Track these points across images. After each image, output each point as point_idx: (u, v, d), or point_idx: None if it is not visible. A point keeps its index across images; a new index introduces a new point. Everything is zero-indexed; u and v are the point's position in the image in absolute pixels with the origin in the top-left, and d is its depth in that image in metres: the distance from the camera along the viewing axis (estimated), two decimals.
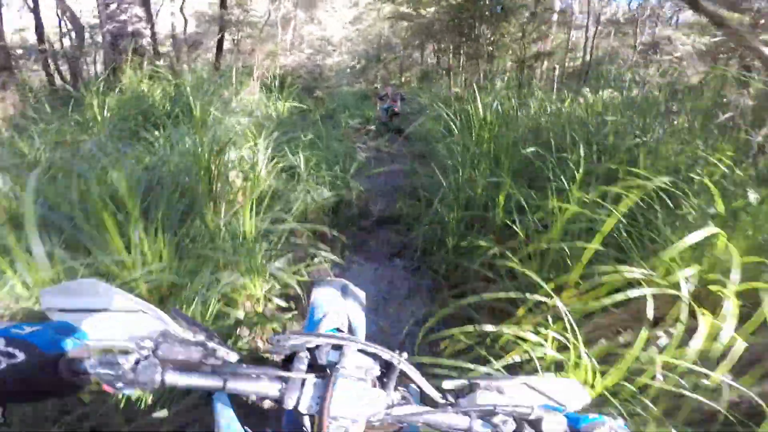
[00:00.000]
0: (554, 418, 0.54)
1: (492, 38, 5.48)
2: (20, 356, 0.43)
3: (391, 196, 5.08)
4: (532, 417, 0.54)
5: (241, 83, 5.90)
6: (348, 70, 17.36)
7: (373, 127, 9.11)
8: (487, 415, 0.55)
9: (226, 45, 8.71)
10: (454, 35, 5.65)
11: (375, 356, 0.58)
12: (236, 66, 7.39)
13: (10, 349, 0.43)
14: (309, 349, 0.57)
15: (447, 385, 0.61)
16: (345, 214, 4.20)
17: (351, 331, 1.02)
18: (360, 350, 0.58)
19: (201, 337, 0.52)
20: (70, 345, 0.48)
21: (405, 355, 0.59)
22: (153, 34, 5.61)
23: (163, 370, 0.48)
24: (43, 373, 0.44)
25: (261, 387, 0.52)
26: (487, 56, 5.72)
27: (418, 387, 0.60)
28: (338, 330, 0.96)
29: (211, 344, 0.52)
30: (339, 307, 1.04)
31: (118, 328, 0.52)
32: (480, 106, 2.68)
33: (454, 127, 3.22)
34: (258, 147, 3.26)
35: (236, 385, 0.51)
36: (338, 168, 4.24)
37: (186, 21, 7.48)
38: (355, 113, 9.60)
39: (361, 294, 1.19)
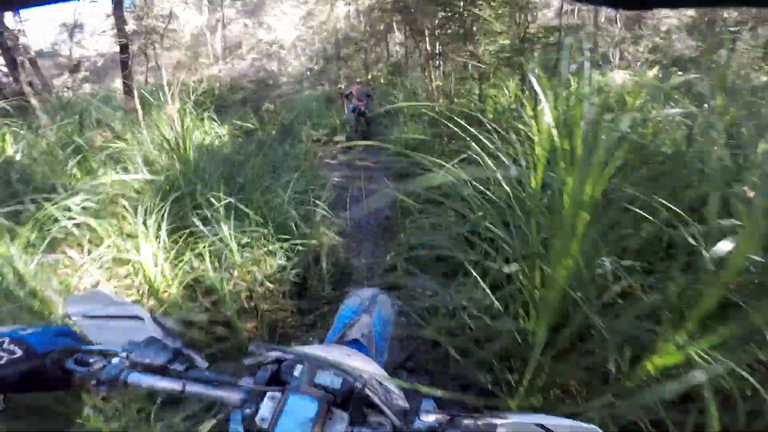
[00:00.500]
0: None
1: (482, 11, 4.13)
2: (18, 352, 0.50)
3: (378, 238, 3.70)
4: None
5: (159, 107, 4.35)
6: (308, 72, 15.82)
7: (342, 138, 7.66)
8: None
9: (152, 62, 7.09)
10: (433, 7, 4.28)
11: (341, 375, 0.55)
12: (141, 87, 5.83)
13: (12, 347, 0.50)
14: (279, 361, 0.57)
15: (424, 416, 0.51)
16: (315, 287, 2.81)
17: (371, 341, 0.95)
18: (322, 367, 0.55)
19: (177, 344, 0.56)
20: (59, 346, 0.54)
21: (372, 378, 0.55)
22: (11, 62, 4.01)
23: (127, 371, 0.53)
24: (34, 368, 0.51)
25: (221, 394, 0.53)
26: (479, 34, 4.36)
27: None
28: (358, 341, 0.91)
29: (185, 351, 0.56)
30: (365, 317, 1.01)
31: (119, 333, 0.58)
32: (548, 112, 1.23)
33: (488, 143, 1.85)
34: (140, 234, 1.81)
35: (196, 389, 0.53)
36: (295, 223, 2.84)
37: (19, 34, 5.55)
38: (319, 122, 8.10)
39: (389, 304, 1.13)
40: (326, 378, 0.54)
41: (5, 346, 0.50)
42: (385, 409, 0.51)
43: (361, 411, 0.52)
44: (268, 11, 18.08)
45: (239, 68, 7.42)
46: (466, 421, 0.49)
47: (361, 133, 8.25)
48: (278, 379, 0.55)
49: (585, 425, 0.48)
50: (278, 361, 0.56)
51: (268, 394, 0.51)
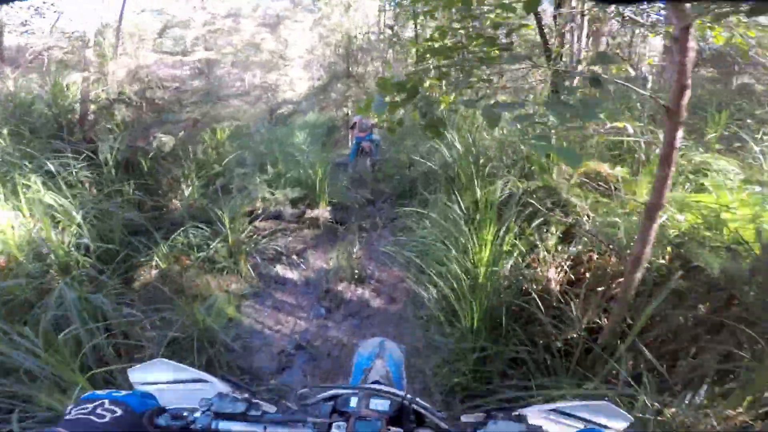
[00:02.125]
0: None
1: None
2: (118, 411, 0.56)
3: None
4: None
5: None
6: (313, 86, 12.68)
7: (325, 212, 3.89)
8: None
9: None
10: None
11: (388, 398, 0.68)
12: None
13: (113, 407, 0.57)
14: (334, 398, 0.70)
15: (465, 418, 0.61)
16: None
17: (390, 381, 1.03)
18: (372, 395, 0.68)
19: (246, 395, 0.65)
20: (149, 406, 0.62)
21: (412, 394, 0.67)
22: None
23: (216, 420, 0.61)
24: (133, 424, 0.57)
25: (296, 431, 0.62)
26: None
27: (435, 424, 0.64)
28: (378, 381, 0.98)
29: (254, 400, 0.65)
30: (379, 361, 1.09)
31: (189, 393, 0.69)
32: None
33: None
34: None
35: (275, 430, 0.61)
36: None
37: None
38: (290, 171, 4.32)
39: (396, 348, 1.20)
40: (377, 403, 0.67)
41: (106, 406, 0.56)
42: (436, 417, 0.65)
43: (411, 423, 0.64)
44: (288, 25, 16.18)
45: (153, 68, 4.11)
46: (501, 415, 0.60)
47: (362, 185, 4.89)
48: (337, 411, 0.68)
49: (597, 402, 0.60)
50: (333, 397, 0.69)
51: (335, 424, 0.62)
